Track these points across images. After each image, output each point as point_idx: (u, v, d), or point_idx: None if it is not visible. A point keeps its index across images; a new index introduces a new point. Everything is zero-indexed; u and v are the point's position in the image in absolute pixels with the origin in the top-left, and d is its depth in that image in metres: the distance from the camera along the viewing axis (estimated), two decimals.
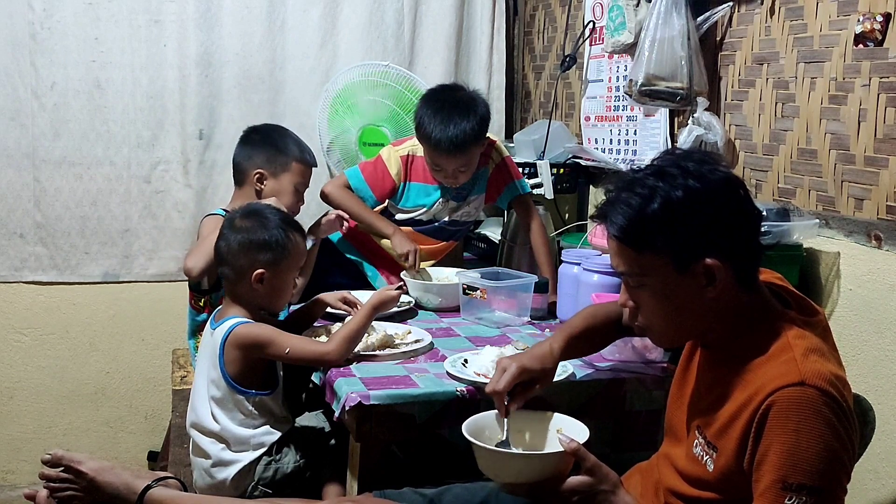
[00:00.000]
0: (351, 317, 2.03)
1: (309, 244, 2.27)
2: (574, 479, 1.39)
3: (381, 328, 2.11)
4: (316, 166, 2.61)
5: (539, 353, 1.65)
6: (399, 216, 2.69)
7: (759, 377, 1.30)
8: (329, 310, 2.21)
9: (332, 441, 2.07)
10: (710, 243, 1.33)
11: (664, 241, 1.34)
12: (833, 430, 1.24)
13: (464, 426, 1.50)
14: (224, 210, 2.42)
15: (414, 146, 2.58)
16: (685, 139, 2.31)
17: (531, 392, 1.61)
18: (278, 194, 2.43)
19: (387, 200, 2.66)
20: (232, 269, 1.98)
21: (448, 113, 2.40)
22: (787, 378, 1.26)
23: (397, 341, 2.07)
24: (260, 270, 1.95)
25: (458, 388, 1.76)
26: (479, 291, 2.28)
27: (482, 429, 1.54)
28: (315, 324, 2.17)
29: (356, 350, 1.95)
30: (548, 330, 2.24)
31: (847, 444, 1.26)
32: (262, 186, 2.44)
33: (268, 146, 2.48)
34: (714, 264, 1.33)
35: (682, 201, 1.32)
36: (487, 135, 2.65)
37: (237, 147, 2.55)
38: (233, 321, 1.94)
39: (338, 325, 2.09)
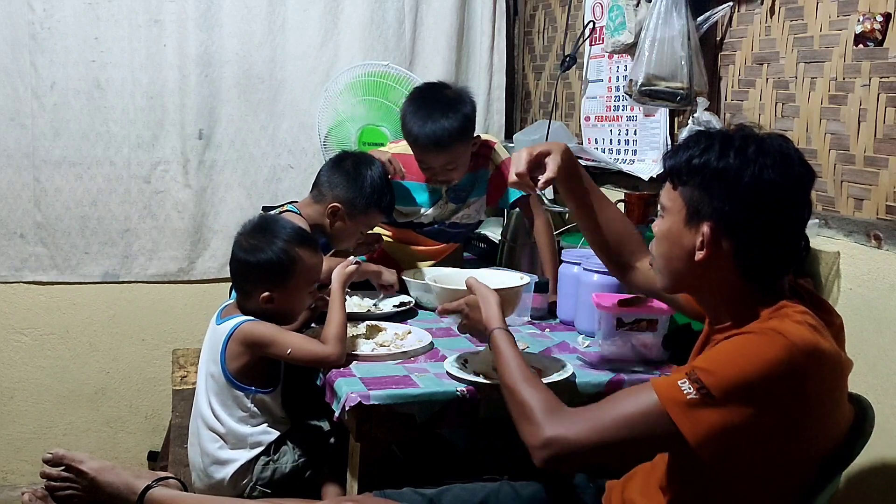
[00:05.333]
0: (329, 311, 1.99)
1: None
2: (449, 304, 1.77)
3: (383, 327, 2.12)
4: (391, 213, 2.53)
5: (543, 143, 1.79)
6: (400, 219, 2.69)
7: (746, 328, 1.33)
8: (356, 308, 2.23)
9: (332, 441, 2.07)
10: (724, 216, 1.37)
11: (689, 191, 1.41)
12: (771, 371, 1.25)
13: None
14: (296, 208, 2.38)
15: (407, 146, 2.59)
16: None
17: (554, 171, 1.71)
18: (344, 234, 2.39)
19: None
20: (240, 289, 1.99)
21: (429, 110, 2.41)
22: (767, 326, 1.30)
23: (398, 341, 2.07)
24: (266, 294, 1.95)
25: (458, 388, 1.76)
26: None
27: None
28: (314, 324, 2.17)
29: (356, 351, 1.96)
30: (548, 330, 2.24)
31: (775, 394, 1.25)
32: (335, 221, 2.39)
33: (355, 184, 2.36)
34: (708, 233, 1.37)
35: (725, 168, 1.37)
36: (487, 137, 2.65)
37: (329, 165, 2.45)
38: (238, 318, 1.94)
39: None
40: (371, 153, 2.51)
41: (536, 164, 1.74)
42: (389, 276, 2.42)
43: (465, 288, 1.77)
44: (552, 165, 1.72)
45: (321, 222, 2.36)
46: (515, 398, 1.47)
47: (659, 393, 1.30)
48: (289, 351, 1.89)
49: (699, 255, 1.39)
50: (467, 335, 1.86)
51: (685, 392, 1.27)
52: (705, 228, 1.38)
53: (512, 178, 1.74)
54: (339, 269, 2.05)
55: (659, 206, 1.50)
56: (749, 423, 1.27)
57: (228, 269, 2.05)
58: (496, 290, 1.77)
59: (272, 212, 2.35)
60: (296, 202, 2.43)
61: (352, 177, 2.37)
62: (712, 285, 1.43)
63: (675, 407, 1.27)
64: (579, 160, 2.97)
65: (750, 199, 1.35)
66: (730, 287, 1.41)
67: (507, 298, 1.84)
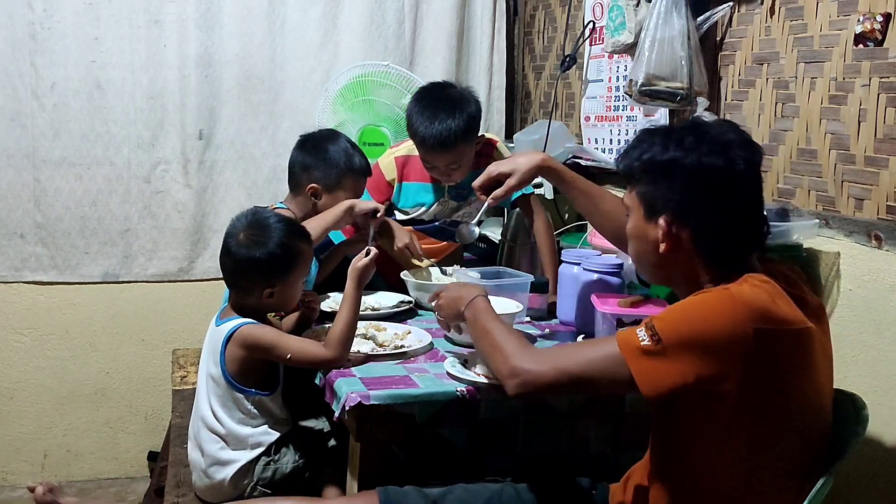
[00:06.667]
0: (339, 310, 1.95)
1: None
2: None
3: (382, 326, 2.11)
4: (370, 175, 2.51)
5: (520, 160, 1.95)
6: (400, 216, 2.70)
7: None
8: (329, 309, 2.21)
9: (332, 441, 2.07)
10: (677, 207, 1.44)
11: (642, 188, 1.49)
12: (719, 325, 1.31)
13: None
14: (283, 204, 2.40)
15: (411, 146, 2.60)
16: None
17: (508, 189, 1.95)
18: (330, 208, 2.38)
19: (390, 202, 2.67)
20: (239, 287, 1.98)
21: (434, 110, 2.42)
22: (722, 287, 1.37)
23: (398, 341, 2.07)
24: (269, 290, 1.95)
25: (458, 388, 1.76)
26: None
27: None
28: (314, 325, 2.17)
29: (356, 351, 1.95)
30: (547, 329, 2.24)
31: (722, 349, 1.31)
32: (317, 200, 2.39)
33: (322, 160, 2.38)
34: (664, 226, 1.44)
35: (668, 161, 1.45)
36: (489, 136, 2.66)
37: (294, 153, 2.46)
38: (238, 320, 1.94)
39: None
40: (400, 229, 2.50)
41: (496, 181, 1.96)
42: (403, 235, 2.44)
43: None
44: (502, 189, 1.95)
45: (308, 210, 2.36)
46: (490, 339, 1.59)
47: (619, 339, 1.39)
48: (289, 356, 1.89)
49: (662, 247, 1.46)
50: (455, 334, 1.92)
51: (640, 339, 1.35)
52: (661, 222, 1.45)
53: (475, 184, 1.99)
54: (353, 265, 1.98)
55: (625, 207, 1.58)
56: (697, 375, 1.32)
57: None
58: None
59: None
60: (281, 203, 2.45)
61: (316, 154, 2.40)
62: (682, 274, 1.49)
63: (630, 352, 1.36)
64: (580, 160, 2.98)
65: (695, 187, 1.42)
66: (698, 273, 1.46)
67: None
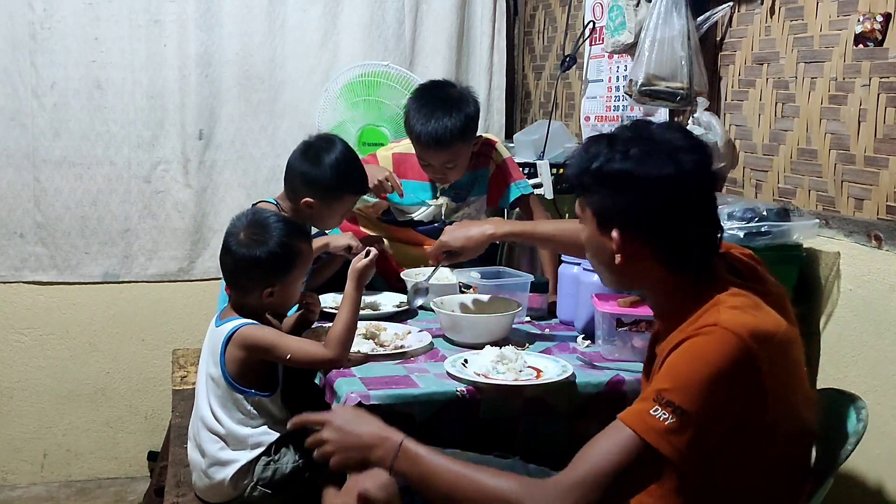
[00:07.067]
0: (339, 310, 1.95)
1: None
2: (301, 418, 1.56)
3: (381, 326, 2.11)
4: (366, 192, 2.48)
5: (472, 234, 2.11)
6: (400, 217, 2.69)
7: (687, 331, 1.32)
8: (328, 309, 2.21)
9: None
10: (629, 219, 1.38)
11: (592, 200, 1.43)
12: (728, 365, 1.25)
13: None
14: (273, 199, 2.39)
15: (409, 144, 2.59)
16: None
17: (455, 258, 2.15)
18: (325, 220, 2.38)
19: (387, 201, 2.66)
20: (240, 286, 1.98)
21: (431, 108, 2.42)
22: (706, 322, 1.30)
23: (398, 341, 2.07)
24: (269, 289, 1.95)
25: (458, 388, 1.76)
26: (471, 289, 2.29)
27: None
28: (315, 325, 2.17)
29: (356, 350, 1.95)
30: (547, 330, 2.24)
31: (738, 385, 1.26)
32: (311, 211, 2.37)
33: (322, 176, 2.32)
34: (617, 238, 1.39)
35: (614, 173, 1.38)
36: (488, 136, 2.66)
37: (294, 158, 2.40)
38: (238, 321, 1.94)
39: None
40: (369, 167, 2.50)
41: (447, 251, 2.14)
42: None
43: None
44: (451, 260, 2.15)
45: (299, 213, 2.36)
46: (483, 492, 1.31)
47: (634, 427, 1.25)
48: (288, 356, 1.89)
49: (618, 259, 1.40)
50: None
51: (661, 419, 1.24)
52: (615, 234, 1.39)
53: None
54: (353, 266, 1.98)
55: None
56: (721, 421, 1.27)
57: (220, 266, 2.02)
58: (490, 315, 2.06)
59: (258, 204, 2.36)
60: (271, 198, 2.43)
61: (315, 168, 2.34)
62: (645, 280, 1.45)
63: (656, 436, 1.24)
64: None
65: (645, 198, 1.37)
66: (661, 281, 1.42)
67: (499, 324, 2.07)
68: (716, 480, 1.37)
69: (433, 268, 2.21)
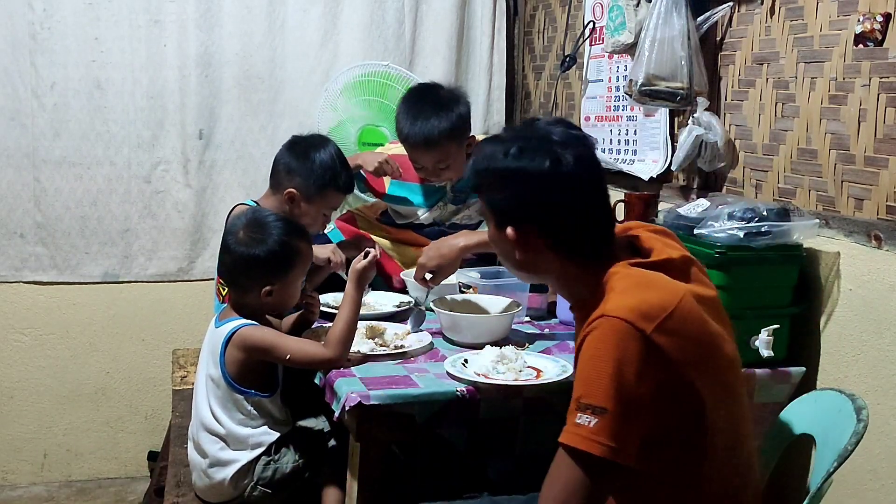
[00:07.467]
0: (339, 310, 1.97)
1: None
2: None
3: (381, 326, 2.11)
4: (352, 192, 2.51)
5: (444, 251, 2.20)
6: (399, 220, 2.70)
7: (587, 325, 1.34)
8: (328, 309, 2.21)
9: (332, 441, 2.07)
10: (518, 214, 1.44)
11: (486, 199, 1.50)
12: (623, 353, 1.26)
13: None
14: (255, 202, 2.40)
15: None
16: (685, 139, 2.31)
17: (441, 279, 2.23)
18: (307, 217, 2.37)
19: (386, 204, 2.67)
20: (239, 285, 1.98)
21: (420, 108, 2.44)
22: (596, 315, 1.32)
23: (398, 341, 2.07)
24: (268, 288, 1.95)
25: (458, 388, 1.76)
26: (471, 290, 2.29)
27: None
28: (315, 324, 2.17)
29: (356, 350, 1.95)
30: (547, 329, 2.24)
31: (644, 366, 1.26)
32: (293, 205, 2.38)
33: (307, 168, 2.36)
34: (512, 234, 1.44)
35: (498, 171, 1.44)
36: (484, 136, 2.66)
37: (282, 152, 2.43)
38: (237, 322, 1.94)
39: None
40: (366, 153, 2.52)
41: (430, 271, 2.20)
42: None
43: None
44: (436, 279, 2.21)
45: (282, 210, 2.35)
46: None
47: (569, 442, 1.27)
48: (288, 357, 1.89)
49: (517, 254, 1.46)
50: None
51: (586, 423, 1.26)
52: (509, 230, 1.45)
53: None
54: (353, 266, 2.01)
55: None
56: (646, 407, 1.28)
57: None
58: (490, 315, 2.09)
59: (237, 207, 2.37)
60: (251, 200, 2.44)
61: (302, 161, 2.37)
62: (549, 274, 1.49)
63: (585, 441, 1.25)
64: None
65: (528, 193, 1.42)
66: (562, 270, 1.47)
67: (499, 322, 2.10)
68: (669, 472, 1.37)
69: (426, 291, 2.23)
